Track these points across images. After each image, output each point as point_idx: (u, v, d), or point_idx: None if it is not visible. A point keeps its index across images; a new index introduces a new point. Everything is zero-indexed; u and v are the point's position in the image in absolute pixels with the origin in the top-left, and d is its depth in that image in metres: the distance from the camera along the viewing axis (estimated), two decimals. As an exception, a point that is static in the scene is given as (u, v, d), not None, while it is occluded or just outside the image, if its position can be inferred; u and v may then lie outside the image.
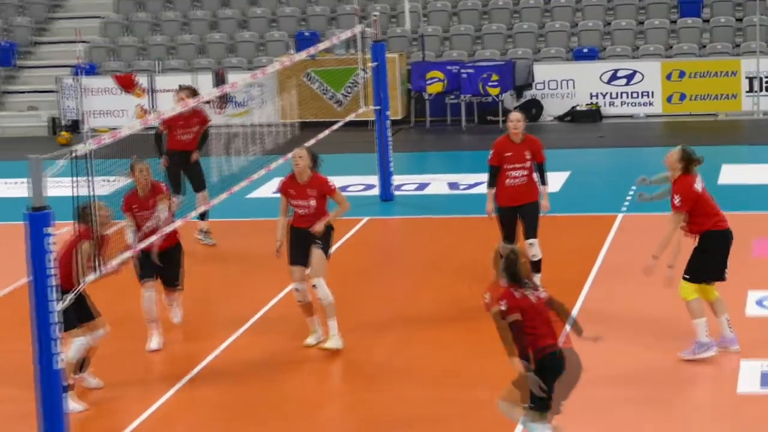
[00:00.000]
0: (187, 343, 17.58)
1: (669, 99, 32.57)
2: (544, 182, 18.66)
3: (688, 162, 16.10)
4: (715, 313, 15.63)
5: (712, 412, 14.45)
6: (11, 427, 14.62)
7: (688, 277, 15.51)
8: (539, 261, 18.31)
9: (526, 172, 18.46)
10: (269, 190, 23.29)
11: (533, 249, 18.21)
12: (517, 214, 18.35)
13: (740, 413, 14.33)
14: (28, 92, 36.50)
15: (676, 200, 15.73)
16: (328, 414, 15.23)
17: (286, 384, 15.91)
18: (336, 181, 24.76)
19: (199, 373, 16.15)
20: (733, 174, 25.36)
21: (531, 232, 18.32)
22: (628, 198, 23.83)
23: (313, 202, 16.75)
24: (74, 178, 14.04)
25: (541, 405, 12.71)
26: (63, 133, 33.71)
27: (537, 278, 17.93)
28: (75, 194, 14.17)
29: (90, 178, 14.39)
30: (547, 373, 12.71)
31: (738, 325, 16.82)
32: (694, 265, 15.55)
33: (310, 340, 16.93)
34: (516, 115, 18.81)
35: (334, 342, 16.66)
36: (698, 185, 15.93)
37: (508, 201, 18.35)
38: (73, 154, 13.72)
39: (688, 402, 14.83)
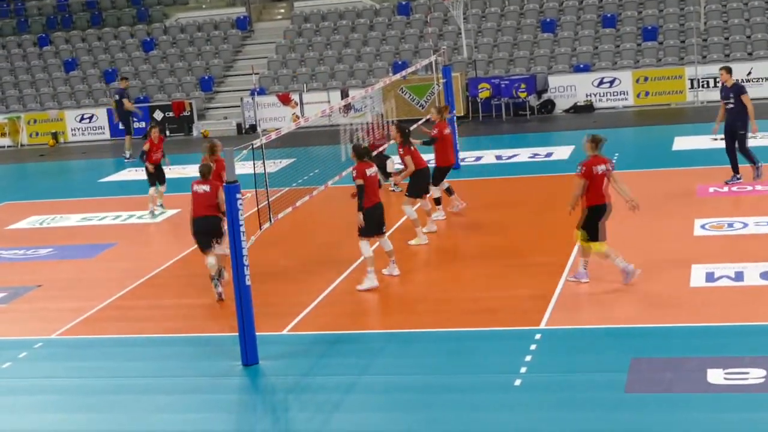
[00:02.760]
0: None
1: (638, 95, 32.18)
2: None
3: (594, 144, 15.15)
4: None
5: (673, 299, 14.20)
6: (216, 323, 14.71)
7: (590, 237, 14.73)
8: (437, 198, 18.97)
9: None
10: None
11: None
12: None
13: (693, 300, 14.14)
14: (222, 107, 36.61)
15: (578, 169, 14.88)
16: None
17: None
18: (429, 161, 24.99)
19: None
20: (682, 143, 25.07)
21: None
22: (613, 161, 23.54)
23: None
24: (254, 162, 14.07)
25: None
26: (204, 131, 34.58)
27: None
28: (254, 172, 14.22)
29: (263, 161, 14.42)
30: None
31: (688, 242, 16.64)
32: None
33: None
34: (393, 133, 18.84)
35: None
36: (599, 168, 14.81)
37: None
38: (252, 147, 13.76)
39: (655, 292, 14.54)
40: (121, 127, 32.77)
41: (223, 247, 15.56)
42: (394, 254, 16.13)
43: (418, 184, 18.12)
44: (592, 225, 14.70)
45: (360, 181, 15.33)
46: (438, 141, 19.35)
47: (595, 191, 14.64)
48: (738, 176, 20.09)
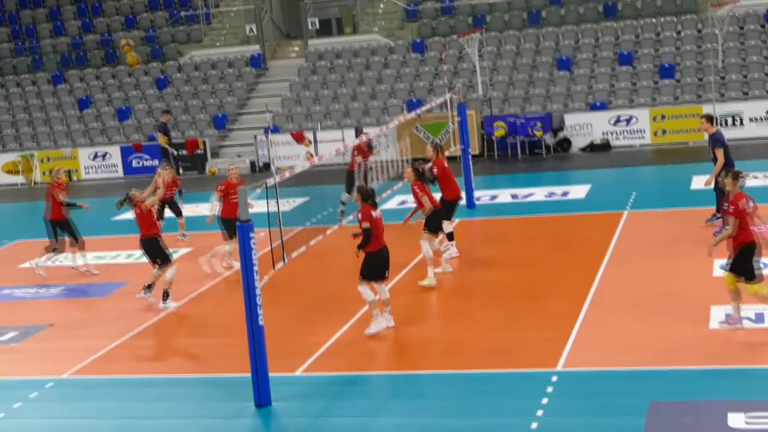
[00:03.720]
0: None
1: (656, 134, 32.14)
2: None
3: (735, 179, 14.29)
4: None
5: (692, 340, 14.08)
6: (229, 363, 14.66)
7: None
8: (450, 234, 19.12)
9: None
10: (394, 203, 23.18)
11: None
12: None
13: (712, 341, 14.02)
14: (236, 145, 36.69)
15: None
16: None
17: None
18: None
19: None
20: (700, 182, 24.85)
21: None
22: (631, 200, 23.54)
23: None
24: (267, 200, 14.07)
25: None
26: (211, 170, 34.65)
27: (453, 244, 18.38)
28: (268, 211, 14.21)
29: (277, 200, 14.41)
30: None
31: (708, 283, 16.54)
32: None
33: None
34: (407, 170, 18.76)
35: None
36: (746, 204, 14.11)
37: None
38: (266, 185, 13.76)
39: (673, 333, 14.43)
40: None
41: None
42: (390, 304, 15.66)
43: (436, 218, 18.09)
44: (745, 265, 14.07)
45: (366, 225, 15.15)
46: (440, 178, 19.42)
47: (744, 229, 14.10)
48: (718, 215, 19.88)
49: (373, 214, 15.24)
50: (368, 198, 15.36)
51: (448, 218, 19.17)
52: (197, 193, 31.44)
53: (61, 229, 20.82)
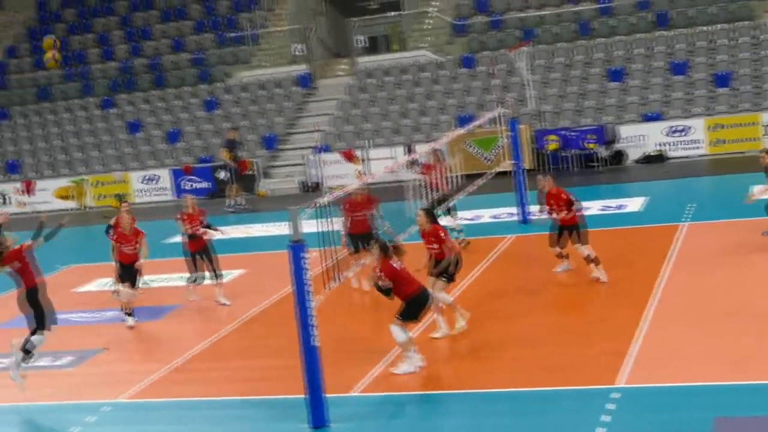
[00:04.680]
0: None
1: (712, 143, 31.88)
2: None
3: None
4: None
5: (759, 353, 13.84)
6: (283, 384, 14.65)
7: None
8: (592, 257, 18.23)
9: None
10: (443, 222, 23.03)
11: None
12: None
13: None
14: (286, 165, 36.83)
15: None
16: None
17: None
18: (487, 212, 24.57)
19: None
20: (759, 192, 24.67)
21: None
22: (688, 212, 23.34)
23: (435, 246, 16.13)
24: (318, 220, 14.08)
25: None
26: (261, 192, 35.14)
27: (600, 268, 17.75)
28: (319, 230, 14.22)
29: (329, 219, 14.43)
30: None
31: (770, 294, 16.33)
32: None
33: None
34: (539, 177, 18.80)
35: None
36: None
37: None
38: (317, 204, 13.78)
39: (739, 346, 14.22)
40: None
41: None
42: (414, 344, 14.98)
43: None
44: None
45: (389, 283, 14.52)
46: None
47: None
48: None
49: (395, 266, 14.53)
50: (387, 253, 14.63)
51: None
52: (248, 215, 31.64)
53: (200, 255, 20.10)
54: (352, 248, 19.07)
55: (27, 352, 15.27)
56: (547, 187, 18.80)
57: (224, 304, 19.64)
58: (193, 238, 19.81)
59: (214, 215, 22.00)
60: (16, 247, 15.43)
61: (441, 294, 16.20)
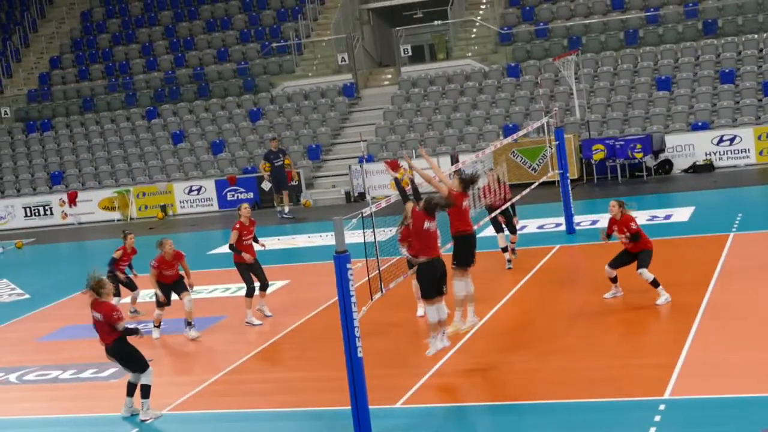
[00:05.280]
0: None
1: (761, 153, 31.71)
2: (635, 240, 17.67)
3: None
4: None
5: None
6: (328, 396, 14.74)
7: None
8: (654, 280, 17.51)
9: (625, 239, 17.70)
10: (490, 230, 23.00)
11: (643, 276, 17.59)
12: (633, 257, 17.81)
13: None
14: (330, 176, 37.01)
15: None
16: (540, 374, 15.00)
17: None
18: (534, 222, 24.68)
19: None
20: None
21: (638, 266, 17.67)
22: (737, 222, 23.25)
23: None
24: (364, 231, 14.18)
25: None
26: (306, 202, 35.32)
27: (662, 290, 17.54)
28: (364, 241, 14.32)
29: (374, 230, 14.52)
30: None
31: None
32: None
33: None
34: (612, 203, 17.98)
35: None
36: None
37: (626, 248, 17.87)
38: (362, 215, 13.87)
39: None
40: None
41: (144, 377, 14.70)
42: (445, 325, 15.26)
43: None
44: None
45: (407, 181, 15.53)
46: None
47: None
48: None
49: (426, 224, 14.73)
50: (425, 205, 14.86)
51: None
52: (294, 225, 31.82)
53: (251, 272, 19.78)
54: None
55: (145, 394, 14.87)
56: (613, 213, 17.91)
57: (267, 316, 19.75)
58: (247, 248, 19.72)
59: (260, 226, 22.01)
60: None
61: (457, 282, 16.10)
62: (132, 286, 21.37)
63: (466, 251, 15.97)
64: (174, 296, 19.06)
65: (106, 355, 14.81)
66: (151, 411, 14.72)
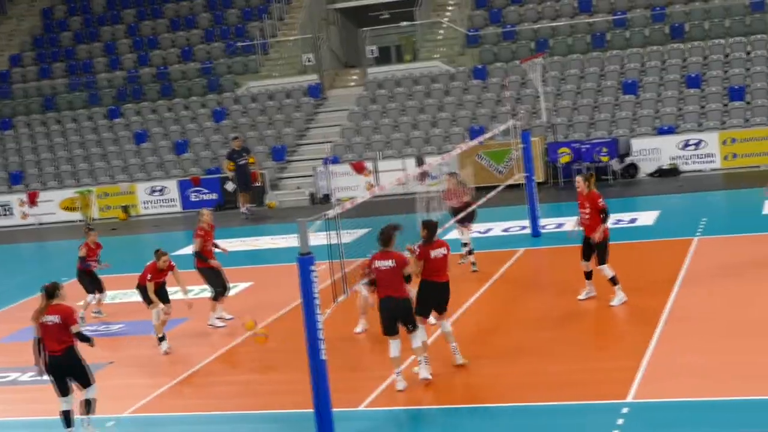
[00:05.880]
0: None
1: (725, 158, 31.97)
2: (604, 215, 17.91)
3: None
4: None
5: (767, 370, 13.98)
6: (291, 399, 14.78)
7: None
8: (613, 278, 17.79)
9: (587, 215, 17.93)
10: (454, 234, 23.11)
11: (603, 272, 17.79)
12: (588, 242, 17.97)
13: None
14: (295, 177, 37.00)
15: None
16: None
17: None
18: (500, 225, 24.73)
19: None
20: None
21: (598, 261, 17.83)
22: (701, 226, 23.44)
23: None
24: (327, 232, 14.22)
25: None
26: (270, 203, 35.36)
27: (618, 289, 17.71)
28: (329, 243, 14.36)
29: (338, 232, 14.56)
30: None
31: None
32: None
33: None
34: (577, 178, 18.54)
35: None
36: None
37: (585, 233, 18.08)
38: (326, 217, 13.92)
39: (747, 362, 14.33)
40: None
41: (89, 391, 14.01)
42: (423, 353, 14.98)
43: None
44: None
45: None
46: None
47: None
48: None
49: (377, 264, 14.81)
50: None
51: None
52: (257, 227, 31.80)
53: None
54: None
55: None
56: (579, 188, 18.25)
57: (227, 319, 19.67)
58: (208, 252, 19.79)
59: (224, 227, 22.04)
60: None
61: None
62: (100, 287, 21.26)
63: (426, 298, 15.28)
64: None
65: (46, 370, 13.81)
66: (91, 428, 14.07)
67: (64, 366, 13.80)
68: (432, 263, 15.08)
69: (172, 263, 18.35)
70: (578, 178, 18.35)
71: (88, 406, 13.97)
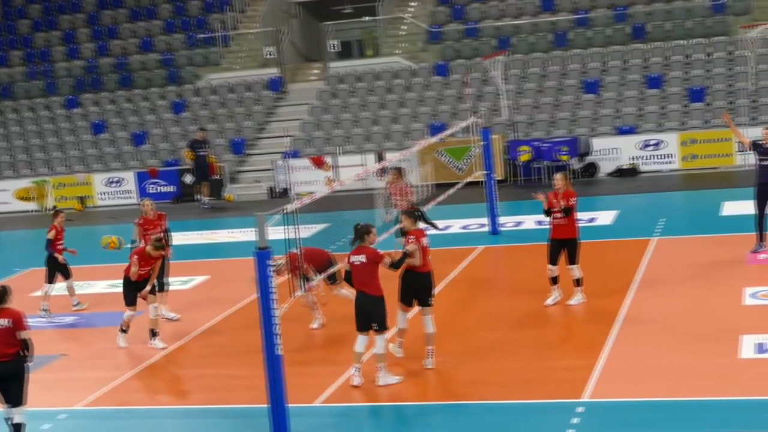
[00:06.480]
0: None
1: (685, 158, 32.16)
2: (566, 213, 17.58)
3: None
4: None
5: (721, 371, 14.07)
6: (245, 394, 14.72)
7: None
8: (579, 279, 17.78)
9: (563, 215, 17.56)
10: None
11: (573, 273, 17.77)
12: (561, 245, 17.70)
13: (742, 373, 14.00)
14: (254, 171, 36.89)
15: None
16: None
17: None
18: (458, 222, 24.75)
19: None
20: (730, 208, 24.98)
21: (569, 261, 17.69)
22: (659, 227, 23.57)
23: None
24: (286, 227, 14.18)
25: None
26: (228, 196, 35.19)
27: (580, 291, 17.76)
28: (286, 237, 14.31)
29: (297, 226, 14.52)
30: None
31: (737, 312, 16.56)
32: None
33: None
34: (557, 175, 18.07)
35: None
36: None
37: (554, 235, 17.75)
38: (285, 211, 13.87)
39: (702, 364, 14.42)
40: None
41: (19, 414, 13.11)
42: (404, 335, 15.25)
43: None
44: None
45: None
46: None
47: None
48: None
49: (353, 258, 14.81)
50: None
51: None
52: (216, 220, 31.68)
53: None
54: None
55: None
56: (558, 186, 17.82)
57: (170, 319, 19.37)
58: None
59: (182, 219, 21.89)
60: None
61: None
62: (66, 273, 20.99)
63: (407, 288, 15.27)
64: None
65: None
66: None
67: (9, 375, 13.06)
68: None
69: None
70: (558, 176, 17.97)
71: (17, 429, 13.15)
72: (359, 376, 14.63)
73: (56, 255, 20.60)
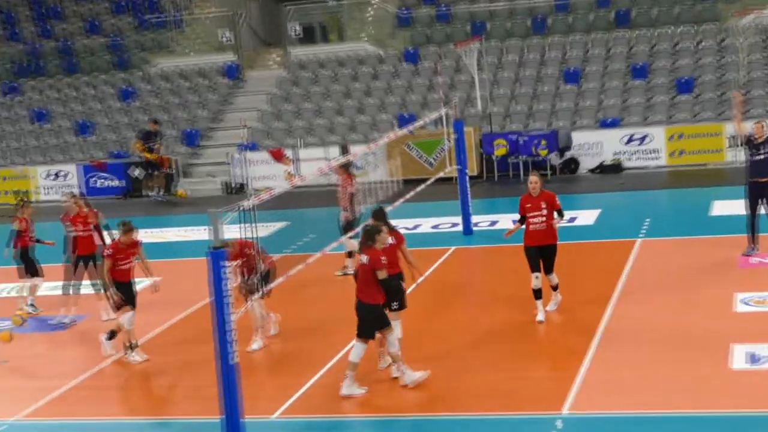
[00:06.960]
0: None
1: (672, 154, 32.31)
2: (561, 216, 17.46)
3: None
4: None
5: (711, 382, 14.11)
6: (196, 405, 14.64)
7: None
8: (557, 285, 17.69)
9: (543, 219, 17.24)
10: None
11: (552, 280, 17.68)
12: (540, 252, 17.31)
13: (733, 384, 14.05)
14: (208, 164, 36.78)
15: None
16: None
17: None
18: (429, 221, 24.69)
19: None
20: (720, 208, 25.09)
21: (549, 269, 17.45)
22: (645, 227, 23.65)
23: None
24: (242, 225, 14.10)
25: None
26: (180, 192, 35.33)
27: (558, 293, 17.75)
28: (242, 236, 14.25)
29: (253, 224, 14.45)
30: None
31: (728, 319, 16.61)
32: None
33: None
34: (533, 177, 17.56)
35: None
36: None
37: (533, 242, 17.35)
38: (241, 208, 13.79)
39: (690, 375, 14.46)
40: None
41: None
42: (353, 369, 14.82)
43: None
44: None
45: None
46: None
47: None
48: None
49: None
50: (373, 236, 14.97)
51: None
52: (167, 217, 31.54)
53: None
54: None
55: None
56: (534, 189, 17.40)
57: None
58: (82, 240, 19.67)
59: (130, 216, 21.54)
60: None
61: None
62: (36, 272, 20.75)
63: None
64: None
65: None
66: None
67: None
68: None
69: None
70: (534, 177, 17.51)
71: None
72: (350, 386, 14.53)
73: (27, 248, 20.53)
